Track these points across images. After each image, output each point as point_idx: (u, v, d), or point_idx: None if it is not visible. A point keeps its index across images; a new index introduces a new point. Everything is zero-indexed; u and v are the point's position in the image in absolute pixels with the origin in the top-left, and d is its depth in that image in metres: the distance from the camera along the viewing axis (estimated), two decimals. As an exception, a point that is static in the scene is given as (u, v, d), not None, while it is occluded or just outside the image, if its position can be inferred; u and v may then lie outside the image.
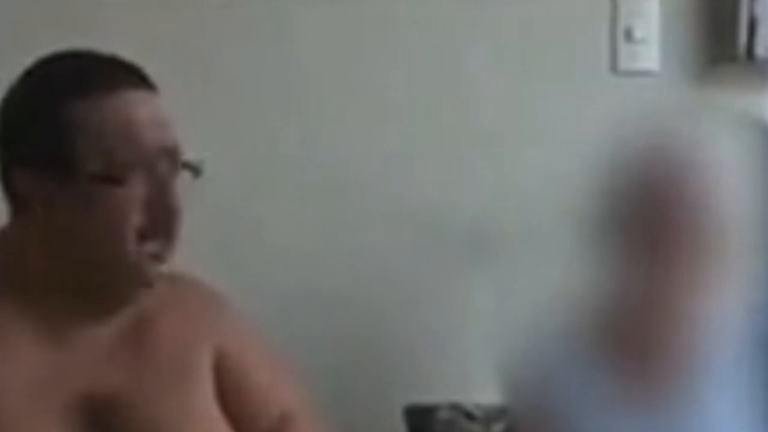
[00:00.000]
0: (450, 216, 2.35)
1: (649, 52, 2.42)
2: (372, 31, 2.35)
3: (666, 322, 1.68)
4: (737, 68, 2.41)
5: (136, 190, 1.52)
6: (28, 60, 1.59)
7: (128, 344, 1.61)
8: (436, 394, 2.24)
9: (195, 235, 2.24)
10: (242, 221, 2.31)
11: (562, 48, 2.38)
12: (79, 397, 1.56)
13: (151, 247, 1.54)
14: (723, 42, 2.41)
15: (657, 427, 1.68)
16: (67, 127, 1.51)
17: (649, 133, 1.68)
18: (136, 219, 1.52)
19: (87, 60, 1.58)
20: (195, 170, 1.58)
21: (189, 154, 2.23)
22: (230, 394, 1.68)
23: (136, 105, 1.54)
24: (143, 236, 1.53)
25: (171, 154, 1.56)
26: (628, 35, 2.42)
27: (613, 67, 2.42)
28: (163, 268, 1.66)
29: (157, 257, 1.55)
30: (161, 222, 1.54)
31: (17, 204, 1.56)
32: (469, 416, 2.19)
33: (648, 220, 1.65)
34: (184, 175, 1.57)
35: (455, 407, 2.21)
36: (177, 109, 2.15)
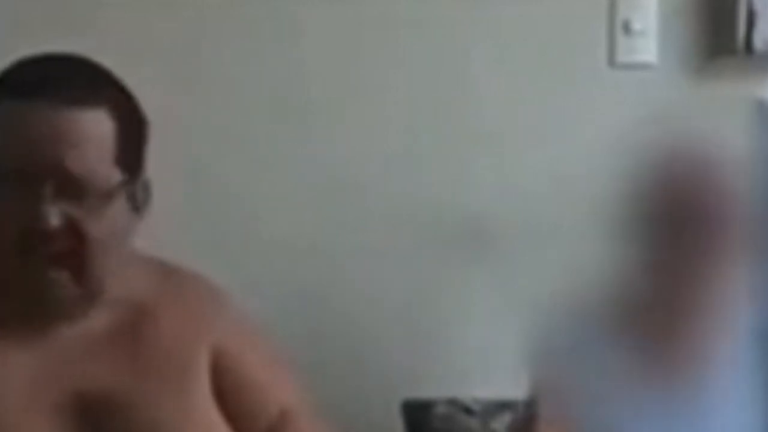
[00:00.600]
0: (450, 215, 2.35)
1: (647, 45, 2.41)
2: (373, 31, 2.35)
3: (685, 309, 1.76)
4: (736, 61, 2.40)
5: (10, 202, 1.51)
6: (28, 59, 1.59)
7: (126, 340, 1.61)
8: (434, 389, 2.24)
9: (195, 235, 2.26)
10: (242, 221, 2.31)
11: (560, 44, 2.38)
12: (71, 396, 1.56)
13: (38, 265, 1.52)
14: (722, 35, 2.40)
15: (674, 407, 1.75)
16: None
17: (661, 131, 1.74)
18: (9, 233, 1.51)
19: (27, 65, 1.56)
20: (107, 196, 1.53)
21: (189, 154, 2.26)
22: (229, 393, 1.68)
23: (31, 118, 1.51)
24: (24, 252, 1.51)
25: (55, 174, 1.50)
26: (627, 28, 2.41)
27: (611, 60, 2.41)
28: (160, 261, 1.67)
29: (52, 279, 1.53)
30: (33, 242, 1.51)
31: None
32: (467, 411, 2.19)
33: (670, 214, 1.73)
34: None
35: (453, 402, 2.21)
36: (177, 109, 2.17)
